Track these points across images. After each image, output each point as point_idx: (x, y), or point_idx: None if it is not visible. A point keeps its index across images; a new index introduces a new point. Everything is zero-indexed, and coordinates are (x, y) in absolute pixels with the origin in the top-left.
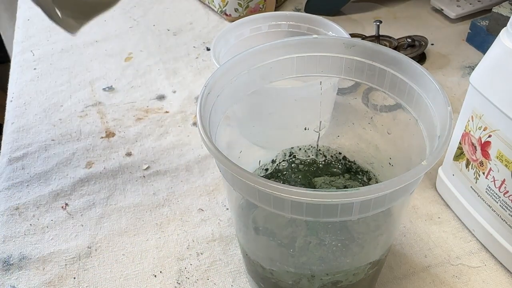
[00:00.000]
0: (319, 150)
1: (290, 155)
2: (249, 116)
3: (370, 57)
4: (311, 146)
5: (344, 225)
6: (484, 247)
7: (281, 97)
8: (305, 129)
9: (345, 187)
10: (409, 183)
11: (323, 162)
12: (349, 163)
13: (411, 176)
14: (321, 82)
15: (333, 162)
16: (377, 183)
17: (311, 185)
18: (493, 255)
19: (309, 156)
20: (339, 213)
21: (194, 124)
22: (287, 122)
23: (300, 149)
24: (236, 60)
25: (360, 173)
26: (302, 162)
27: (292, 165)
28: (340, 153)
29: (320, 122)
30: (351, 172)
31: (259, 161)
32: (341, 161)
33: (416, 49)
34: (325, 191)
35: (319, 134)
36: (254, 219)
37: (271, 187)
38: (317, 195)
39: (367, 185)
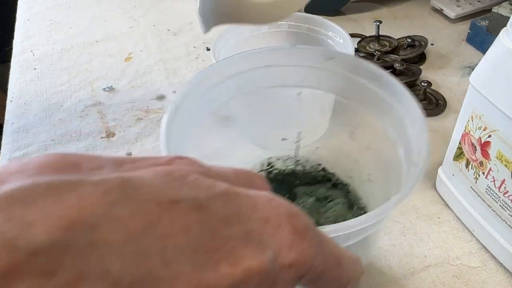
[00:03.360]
0: (298, 160)
1: (268, 165)
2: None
3: (350, 70)
4: (290, 157)
5: None
6: (484, 247)
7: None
8: (283, 139)
9: (326, 197)
10: (377, 220)
11: (302, 172)
12: (329, 175)
13: (379, 213)
14: (301, 92)
15: (313, 173)
16: (357, 196)
17: (292, 195)
18: (493, 255)
19: (287, 166)
20: None
21: None
22: (266, 131)
23: (278, 159)
24: (209, 69)
25: (340, 185)
26: (281, 173)
27: (270, 175)
28: (319, 164)
29: (298, 132)
30: (331, 183)
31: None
32: (320, 172)
33: (416, 49)
34: None
35: (298, 145)
36: None
37: None
38: None
39: (347, 196)
